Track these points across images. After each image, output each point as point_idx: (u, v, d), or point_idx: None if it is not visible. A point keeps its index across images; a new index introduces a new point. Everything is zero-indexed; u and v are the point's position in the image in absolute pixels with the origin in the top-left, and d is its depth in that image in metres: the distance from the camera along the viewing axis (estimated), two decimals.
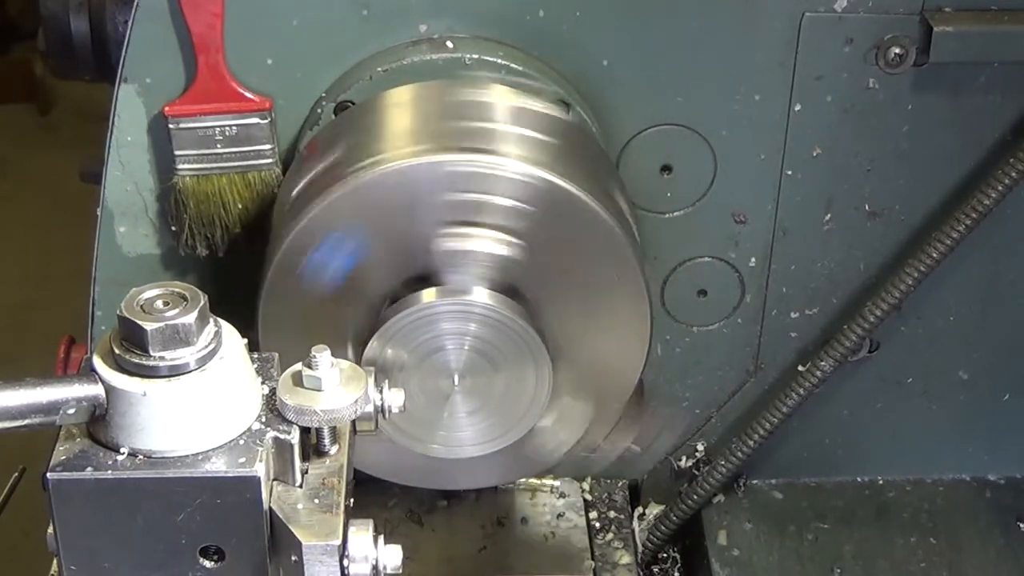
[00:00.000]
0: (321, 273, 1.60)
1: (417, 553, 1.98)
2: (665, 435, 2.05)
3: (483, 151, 1.58)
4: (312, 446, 1.25)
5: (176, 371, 1.16)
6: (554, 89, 1.75)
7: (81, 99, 4.73)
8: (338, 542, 1.18)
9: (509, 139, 1.64)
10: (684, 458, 2.10)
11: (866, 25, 1.77)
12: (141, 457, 1.17)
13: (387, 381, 1.30)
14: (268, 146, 1.76)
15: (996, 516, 2.09)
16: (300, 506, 1.20)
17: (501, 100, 1.70)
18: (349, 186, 1.55)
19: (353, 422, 1.26)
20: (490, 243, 1.58)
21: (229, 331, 1.21)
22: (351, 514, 1.23)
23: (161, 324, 1.15)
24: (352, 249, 1.59)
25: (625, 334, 1.67)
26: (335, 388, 1.21)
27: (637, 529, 2.09)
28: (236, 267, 1.81)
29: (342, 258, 1.60)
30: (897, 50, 1.78)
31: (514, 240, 1.58)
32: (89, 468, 1.16)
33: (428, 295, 1.59)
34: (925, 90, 1.82)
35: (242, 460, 1.17)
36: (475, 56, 1.74)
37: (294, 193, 1.66)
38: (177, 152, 1.75)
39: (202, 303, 1.18)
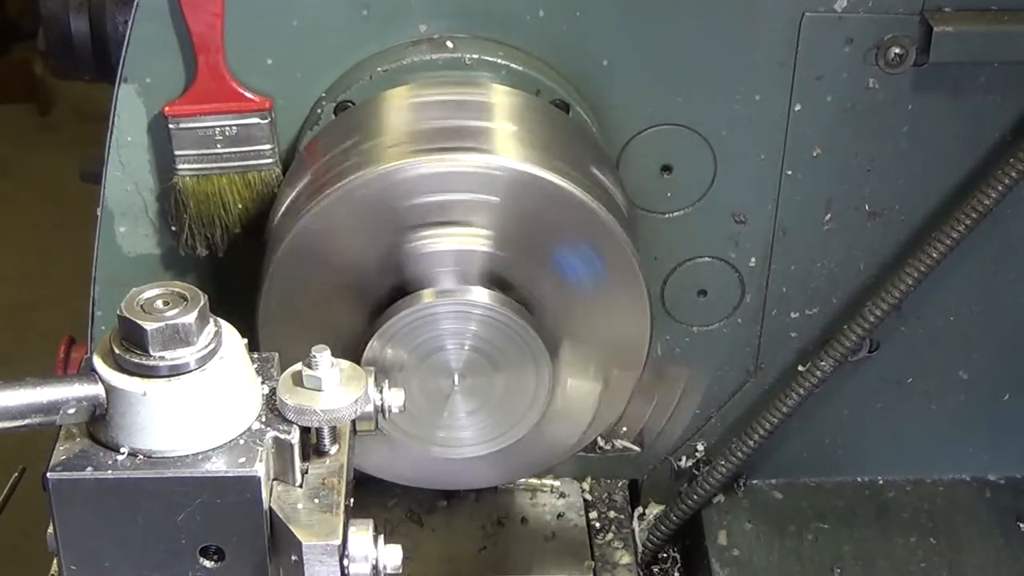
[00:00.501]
0: (319, 275, 1.61)
1: (417, 553, 1.98)
2: (675, 420, 2.04)
3: (447, 149, 1.58)
4: (312, 446, 1.25)
5: (176, 371, 1.16)
6: (554, 89, 1.75)
7: (81, 99, 4.73)
8: (338, 542, 1.18)
9: (475, 134, 1.64)
10: (684, 458, 2.09)
11: (866, 25, 1.77)
12: (141, 457, 1.17)
13: (387, 381, 1.30)
14: (268, 146, 1.76)
15: (996, 516, 2.09)
16: (300, 506, 1.20)
17: (475, 96, 1.71)
18: (337, 192, 1.56)
19: (353, 422, 1.27)
20: (468, 240, 1.58)
21: (229, 331, 1.21)
22: (351, 514, 1.23)
23: (161, 324, 1.15)
24: (346, 253, 1.59)
25: (624, 316, 1.66)
26: (335, 388, 1.22)
27: (637, 529, 2.09)
28: (236, 267, 1.81)
29: (338, 260, 1.60)
30: (897, 50, 1.78)
31: (489, 233, 1.58)
32: (89, 468, 1.16)
33: (428, 295, 1.59)
34: (925, 90, 1.82)
35: (242, 460, 1.18)
36: (475, 56, 1.74)
37: (292, 195, 1.66)
38: (177, 152, 1.75)
39: (202, 303, 1.18)
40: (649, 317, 1.67)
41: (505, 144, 1.63)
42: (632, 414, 1.96)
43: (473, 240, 1.59)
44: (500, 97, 1.72)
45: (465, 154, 1.58)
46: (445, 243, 1.59)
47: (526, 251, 1.60)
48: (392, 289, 1.61)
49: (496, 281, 1.60)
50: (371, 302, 1.62)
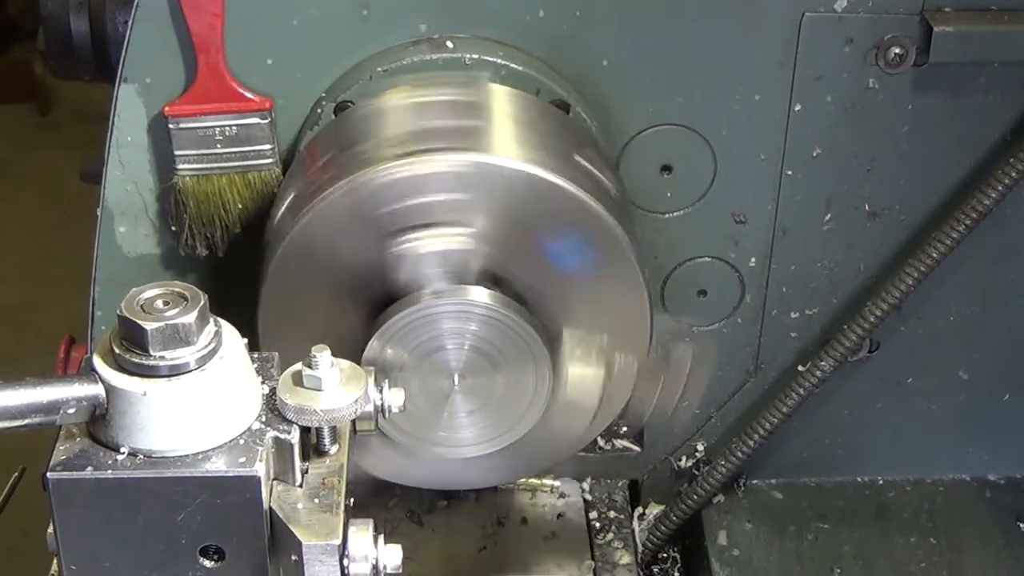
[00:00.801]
0: (318, 276, 1.61)
1: (417, 553, 1.98)
2: (686, 402, 2.02)
3: (425, 151, 1.57)
4: (312, 446, 1.25)
5: (176, 371, 1.16)
6: (554, 89, 1.75)
7: (81, 99, 4.74)
8: (338, 542, 1.18)
9: (457, 134, 1.64)
10: (684, 458, 2.09)
11: (866, 25, 1.77)
12: (141, 457, 1.17)
13: (387, 381, 1.30)
14: (268, 146, 1.76)
15: (996, 516, 2.09)
16: (300, 506, 1.20)
17: (463, 96, 1.72)
18: (330, 197, 1.56)
19: (353, 422, 1.27)
20: (455, 240, 1.58)
21: (229, 331, 1.21)
22: (351, 514, 1.23)
23: (161, 324, 1.15)
24: (342, 255, 1.59)
25: (622, 300, 1.64)
26: (335, 388, 1.22)
27: (637, 529, 2.09)
28: (236, 267, 1.80)
29: (336, 262, 1.60)
30: (897, 50, 1.78)
31: (476, 231, 1.58)
32: (89, 468, 1.16)
33: (428, 295, 1.59)
34: (925, 90, 1.82)
35: (242, 460, 1.18)
36: (475, 56, 1.74)
37: (291, 196, 1.66)
38: (177, 152, 1.75)
39: (202, 303, 1.18)
40: (647, 298, 1.65)
41: (485, 140, 1.63)
42: (640, 399, 1.92)
43: (461, 240, 1.58)
44: (484, 94, 1.71)
45: (443, 154, 1.57)
46: (432, 244, 1.58)
47: (515, 245, 1.59)
48: (390, 290, 1.61)
49: (490, 278, 1.60)
50: (370, 302, 1.62)
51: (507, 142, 1.64)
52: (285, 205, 1.67)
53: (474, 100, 1.72)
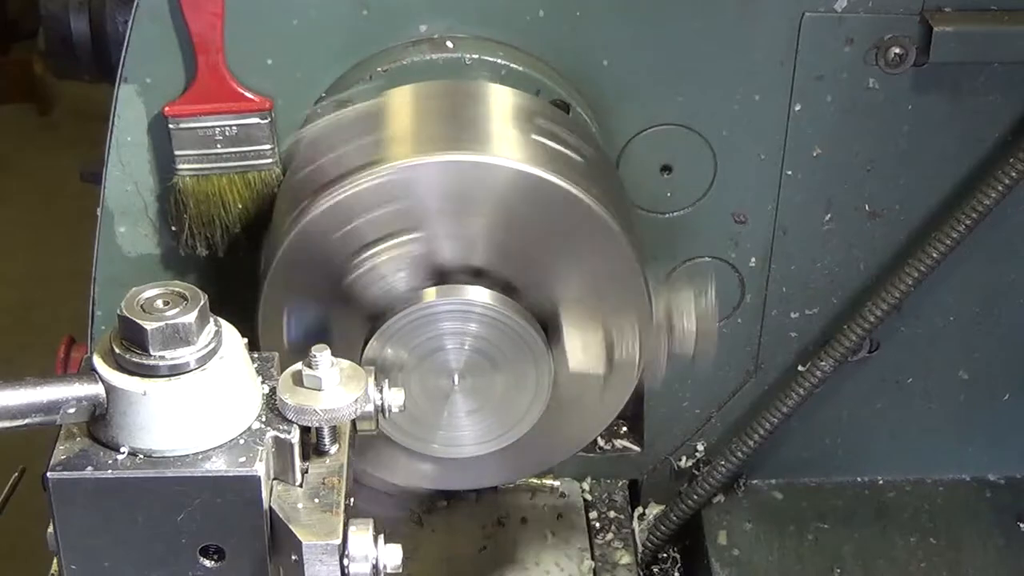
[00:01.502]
0: (316, 279, 1.60)
1: (417, 553, 1.98)
2: (701, 353, 1.98)
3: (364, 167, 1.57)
4: (312, 445, 1.25)
5: (176, 370, 1.16)
6: (554, 89, 1.75)
7: (81, 99, 4.72)
8: (338, 541, 1.18)
9: (412, 138, 1.65)
10: (684, 458, 2.10)
11: (866, 25, 1.77)
12: (141, 456, 1.17)
13: (387, 380, 1.30)
14: (268, 146, 1.76)
15: (996, 516, 2.09)
16: (300, 505, 1.20)
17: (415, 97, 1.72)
18: (322, 204, 1.56)
19: (353, 421, 1.27)
20: (424, 244, 1.58)
21: (229, 331, 1.22)
22: (351, 513, 1.23)
23: (161, 323, 1.16)
24: (338, 259, 1.59)
25: (608, 263, 1.61)
26: (335, 387, 1.22)
27: (637, 529, 2.09)
28: (236, 267, 1.80)
29: (331, 268, 1.59)
30: (897, 50, 1.78)
31: (454, 231, 1.57)
32: (89, 467, 1.16)
33: (428, 295, 1.59)
34: (925, 90, 1.82)
35: (242, 459, 1.18)
36: (475, 56, 1.74)
37: (288, 199, 1.66)
38: (177, 152, 1.75)
39: (202, 303, 1.18)
40: (634, 257, 1.61)
41: (458, 139, 1.62)
42: (654, 353, 1.86)
43: (439, 240, 1.58)
44: (448, 93, 1.72)
45: (403, 161, 1.56)
46: (407, 250, 1.58)
47: (495, 238, 1.58)
48: (385, 292, 1.60)
49: (474, 273, 1.59)
50: (368, 303, 1.62)
51: (469, 138, 1.64)
52: (283, 209, 1.67)
53: (425, 101, 1.71)
